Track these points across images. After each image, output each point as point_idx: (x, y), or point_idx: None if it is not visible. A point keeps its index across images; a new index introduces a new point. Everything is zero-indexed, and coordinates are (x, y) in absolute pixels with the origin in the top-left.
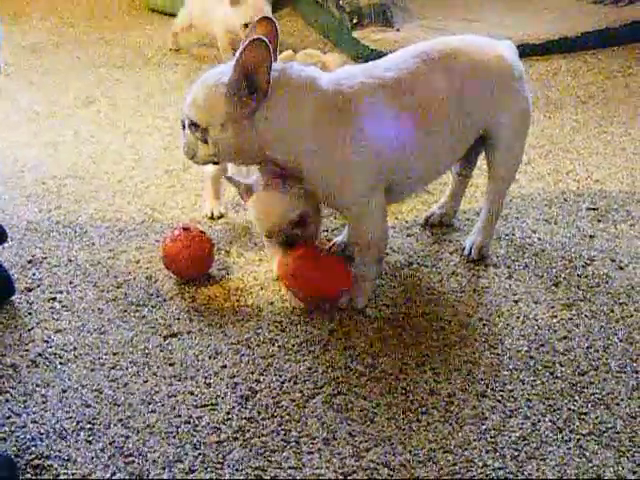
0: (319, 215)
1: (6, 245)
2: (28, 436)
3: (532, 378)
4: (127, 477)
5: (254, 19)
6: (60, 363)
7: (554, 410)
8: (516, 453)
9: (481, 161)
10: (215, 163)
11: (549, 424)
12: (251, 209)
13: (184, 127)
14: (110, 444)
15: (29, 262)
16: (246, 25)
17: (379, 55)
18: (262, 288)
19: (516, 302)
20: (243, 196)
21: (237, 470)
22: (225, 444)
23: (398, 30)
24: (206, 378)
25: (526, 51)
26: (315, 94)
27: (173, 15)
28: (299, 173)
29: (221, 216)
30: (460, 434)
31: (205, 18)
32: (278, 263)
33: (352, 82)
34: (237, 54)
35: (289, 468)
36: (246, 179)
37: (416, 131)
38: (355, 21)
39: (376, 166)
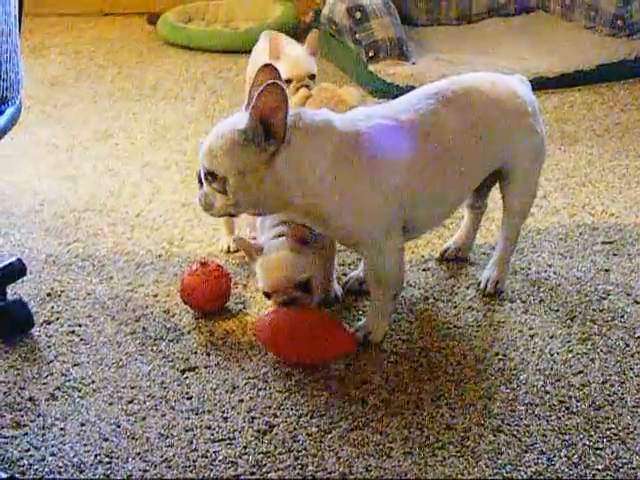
0: (327, 282)
1: (25, 278)
2: (47, 469)
3: (548, 413)
4: None
5: (295, 75)
6: (79, 396)
7: (570, 445)
8: None
9: (497, 195)
10: (232, 215)
11: (565, 459)
12: (258, 268)
13: (200, 180)
14: (128, 478)
15: (48, 295)
16: (287, 81)
17: (395, 88)
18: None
19: (532, 337)
20: (252, 255)
21: None
22: (242, 479)
23: (414, 63)
24: (223, 412)
25: (541, 84)
26: (332, 136)
27: (188, 48)
28: (317, 218)
29: (237, 250)
30: (476, 469)
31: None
32: (260, 324)
33: (369, 123)
34: (253, 100)
35: None
36: (255, 240)
37: (432, 170)
38: (371, 55)
39: (394, 205)
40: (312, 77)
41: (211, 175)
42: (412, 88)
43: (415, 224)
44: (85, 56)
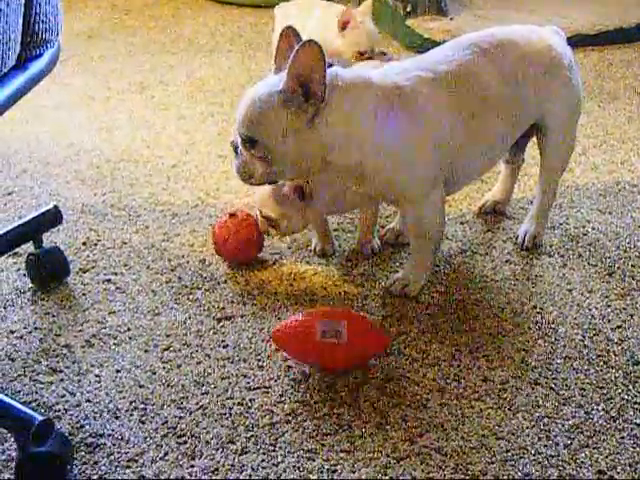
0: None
1: (61, 227)
2: (82, 414)
3: (586, 367)
4: (179, 457)
5: (369, 47)
6: (114, 344)
7: (608, 399)
8: (569, 442)
9: (535, 150)
10: (271, 182)
11: (602, 413)
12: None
13: (236, 149)
14: (163, 424)
15: (83, 244)
16: (360, 53)
17: (432, 43)
18: (315, 273)
19: (570, 291)
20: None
21: (289, 452)
22: (277, 426)
23: (451, 19)
24: (259, 361)
25: (580, 41)
26: (372, 92)
27: (225, 3)
28: (360, 176)
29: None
30: (513, 421)
31: None
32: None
33: (407, 76)
34: (290, 61)
35: (341, 451)
36: None
37: (471, 121)
38: (409, 10)
39: (437, 157)
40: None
41: (250, 142)
42: None
43: (456, 177)
44: (121, 10)
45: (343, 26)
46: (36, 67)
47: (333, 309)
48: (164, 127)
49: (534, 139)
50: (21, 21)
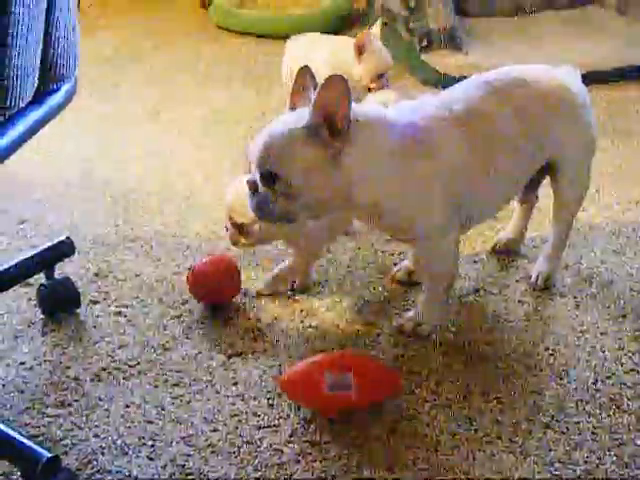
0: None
1: (73, 257)
2: (90, 449)
3: (598, 411)
4: None
5: (387, 69)
6: (124, 378)
7: (620, 444)
8: None
9: (549, 187)
10: (290, 221)
11: (615, 459)
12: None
13: (253, 187)
14: (171, 461)
15: (95, 275)
16: (379, 76)
17: (447, 78)
18: (328, 309)
19: (582, 333)
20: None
21: None
22: (286, 467)
23: (467, 54)
24: (269, 399)
25: (594, 78)
26: (391, 129)
27: (240, 33)
28: (377, 215)
29: None
30: (524, 466)
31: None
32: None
33: (423, 114)
34: (315, 95)
35: None
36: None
37: (485, 161)
38: (424, 44)
39: (453, 198)
40: None
41: (272, 178)
42: (464, 79)
43: (470, 216)
44: (138, 38)
45: (360, 51)
46: (53, 101)
47: (342, 354)
48: (178, 157)
49: (548, 177)
50: (39, 57)
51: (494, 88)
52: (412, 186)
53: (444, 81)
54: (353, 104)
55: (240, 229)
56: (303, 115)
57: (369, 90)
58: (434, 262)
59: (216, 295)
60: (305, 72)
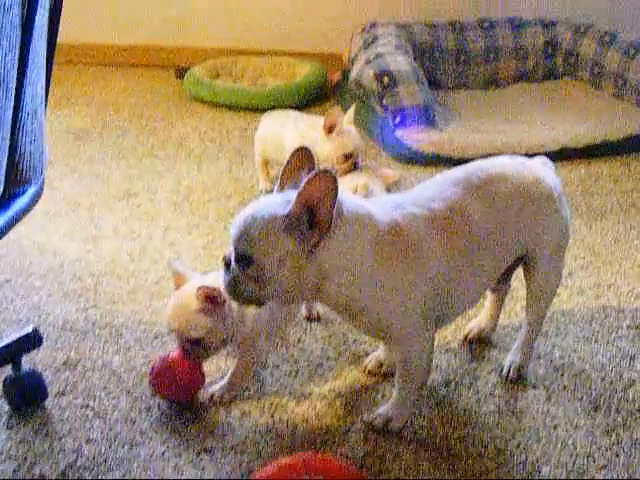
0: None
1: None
2: None
3: None
4: None
5: (355, 151)
6: (91, 477)
7: None
8: None
9: (522, 274)
10: (259, 304)
11: None
12: (171, 298)
13: (228, 264)
14: None
15: (63, 364)
16: (346, 157)
17: (421, 156)
18: (297, 404)
19: (555, 427)
20: (176, 283)
21: None
22: None
23: (441, 130)
24: None
25: (568, 155)
26: (372, 226)
27: (214, 105)
28: (350, 310)
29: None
30: None
31: (278, 147)
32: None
33: (403, 213)
34: (301, 186)
35: None
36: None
37: (462, 259)
38: (398, 121)
39: (429, 297)
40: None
41: (245, 260)
42: (438, 156)
43: (446, 313)
44: (111, 109)
45: (329, 130)
46: (19, 204)
47: (308, 458)
48: (149, 238)
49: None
50: (5, 160)
51: (472, 185)
52: (388, 287)
53: (418, 158)
54: (343, 195)
55: (195, 345)
56: (288, 200)
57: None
58: (408, 361)
59: (179, 393)
60: (302, 153)
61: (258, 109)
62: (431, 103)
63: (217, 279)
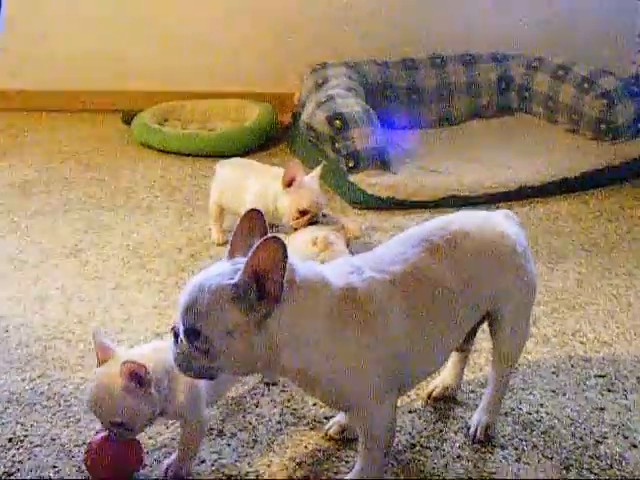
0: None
1: None
2: None
3: None
4: None
5: (314, 207)
6: None
7: None
8: None
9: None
10: (211, 378)
11: None
12: (93, 377)
13: (177, 335)
14: None
15: (9, 440)
16: (302, 212)
17: (376, 200)
18: (257, 476)
19: None
20: (98, 355)
21: None
22: None
23: (395, 173)
24: None
25: (525, 194)
26: (327, 292)
27: (163, 151)
28: (307, 381)
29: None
30: None
31: (235, 199)
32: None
33: (362, 277)
34: (249, 255)
35: None
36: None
37: (425, 324)
38: (351, 165)
39: (390, 363)
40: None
41: (193, 333)
42: (393, 200)
43: (409, 378)
44: (57, 158)
45: (288, 183)
46: None
47: None
48: (98, 298)
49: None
50: None
51: (433, 245)
52: (346, 355)
53: (373, 203)
54: (294, 260)
55: (120, 428)
56: (237, 268)
57: (294, 229)
58: (371, 431)
59: (115, 471)
60: (253, 216)
61: (208, 155)
62: (384, 145)
63: (144, 354)
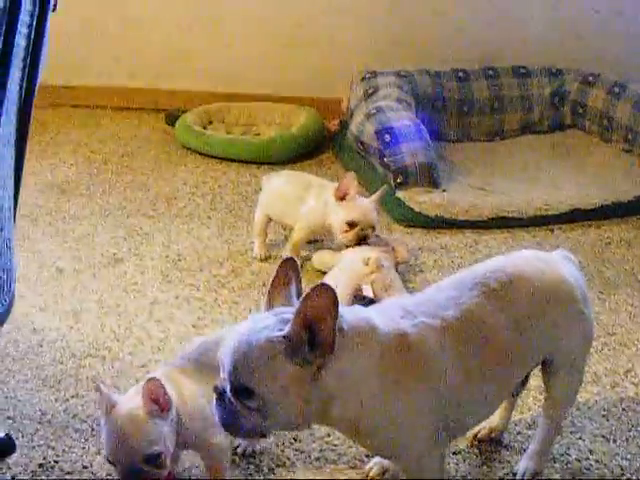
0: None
1: (17, 442)
2: None
3: None
4: None
5: (363, 221)
6: None
7: None
8: None
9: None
10: (262, 436)
11: None
12: (104, 428)
13: (221, 395)
14: None
15: (40, 466)
16: (350, 225)
17: (423, 218)
18: None
19: None
20: (104, 409)
21: None
22: None
23: (444, 191)
24: None
25: (577, 216)
26: (377, 340)
27: (205, 155)
28: (356, 431)
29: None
30: None
31: (290, 211)
32: None
33: (413, 322)
34: (299, 304)
35: None
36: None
37: (479, 373)
38: (399, 180)
39: (442, 413)
40: (373, 229)
41: (245, 392)
42: (442, 218)
43: (460, 426)
44: (99, 158)
45: (342, 196)
46: None
47: None
48: (136, 314)
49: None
50: None
51: (490, 290)
52: (397, 406)
53: (420, 220)
54: (340, 308)
55: (150, 466)
56: (283, 319)
57: (345, 246)
58: (419, 478)
59: None
60: (288, 266)
61: (253, 161)
62: (434, 161)
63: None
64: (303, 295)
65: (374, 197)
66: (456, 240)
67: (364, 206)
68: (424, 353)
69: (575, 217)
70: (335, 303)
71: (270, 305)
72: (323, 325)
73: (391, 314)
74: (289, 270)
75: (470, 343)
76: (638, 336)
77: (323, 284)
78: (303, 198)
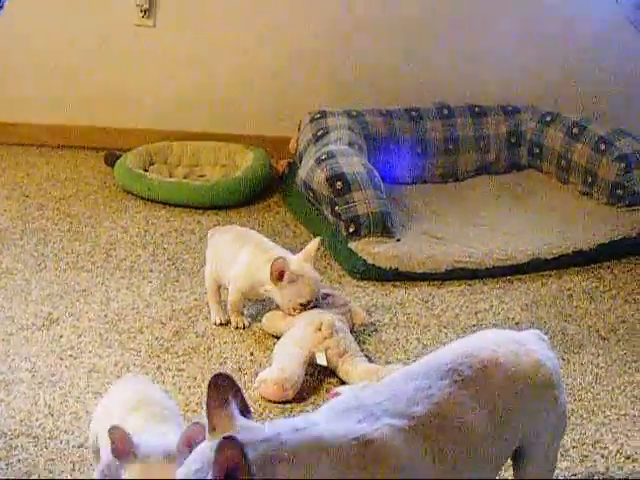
0: None
1: None
2: None
3: None
4: None
5: (313, 297)
6: None
7: None
8: None
9: None
10: None
11: None
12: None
13: None
14: None
15: None
16: (303, 305)
17: (377, 270)
18: None
19: None
20: (122, 455)
21: None
22: None
23: (399, 240)
24: None
25: (538, 266)
26: (328, 456)
27: (148, 200)
28: None
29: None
30: None
31: (224, 272)
32: None
33: (376, 425)
34: (213, 458)
35: None
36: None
37: (452, 471)
38: (352, 230)
39: None
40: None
41: None
42: (396, 270)
43: None
44: (33, 203)
45: (278, 277)
46: None
47: None
48: (72, 384)
49: None
50: None
51: (460, 377)
52: None
53: (373, 273)
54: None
55: None
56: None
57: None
58: None
59: None
60: (218, 382)
61: (197, 206)
62: (388, 209)
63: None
64: (215, 449)
65: (308, 254)
66: (412, 294)
67: (310, 281)
68: (394, 461)
69: (536, 267)
70: (243, 457)
71: (213, 428)
72: (240, 474)
73: (348, 419)
74: (221, 388)
75: (444, 439)
76: (605, 401)
77: (229, 439)
78: (235, 258)
